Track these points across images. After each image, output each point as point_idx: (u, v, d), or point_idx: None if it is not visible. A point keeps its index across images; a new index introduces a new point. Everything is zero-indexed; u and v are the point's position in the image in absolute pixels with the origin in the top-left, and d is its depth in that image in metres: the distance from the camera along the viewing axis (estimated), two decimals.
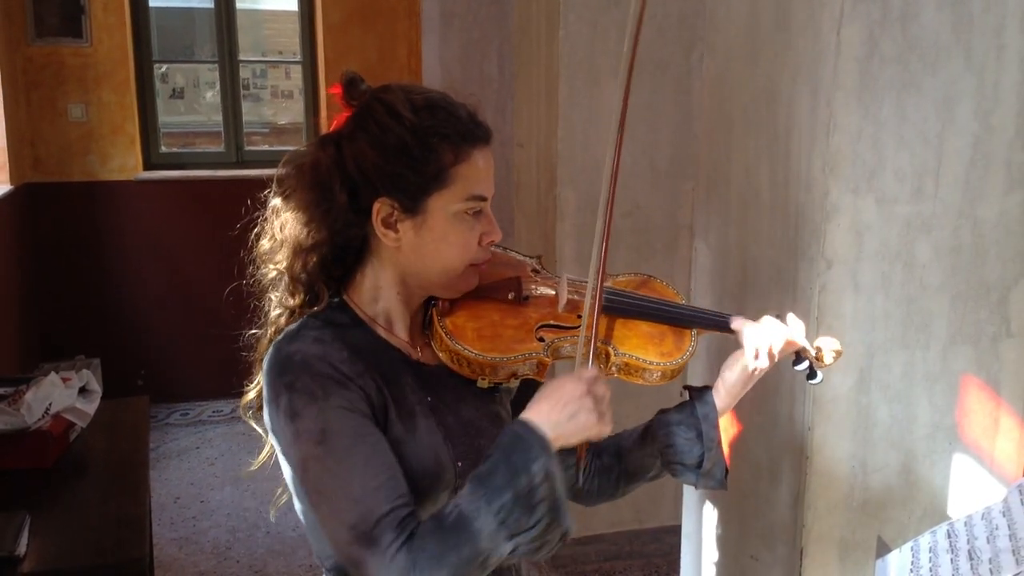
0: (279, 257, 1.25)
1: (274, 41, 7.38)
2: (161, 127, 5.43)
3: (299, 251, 1.23)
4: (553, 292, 1.33)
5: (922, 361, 1.94)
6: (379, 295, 1.26)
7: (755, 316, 1.40)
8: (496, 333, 1.25)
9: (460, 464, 1.22)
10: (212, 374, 4.32)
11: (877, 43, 1.78)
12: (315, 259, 1.23)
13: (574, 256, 3.22)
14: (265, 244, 1.28)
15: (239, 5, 5.39)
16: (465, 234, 1.22)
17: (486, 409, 1.31)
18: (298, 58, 5.60)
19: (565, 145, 3.23)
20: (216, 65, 5.43)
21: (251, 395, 1.28)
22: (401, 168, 1.18)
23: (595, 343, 1.25)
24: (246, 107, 5.66)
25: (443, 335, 1.24)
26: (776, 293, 2.01)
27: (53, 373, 2.50)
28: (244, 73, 5.65)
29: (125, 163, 5.09)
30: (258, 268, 1.30)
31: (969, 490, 2.01)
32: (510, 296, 1.29)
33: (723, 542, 2.31)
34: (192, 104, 6.74)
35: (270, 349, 1.20)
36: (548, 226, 3.39)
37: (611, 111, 3.52)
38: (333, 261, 1.25)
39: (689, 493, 2.50)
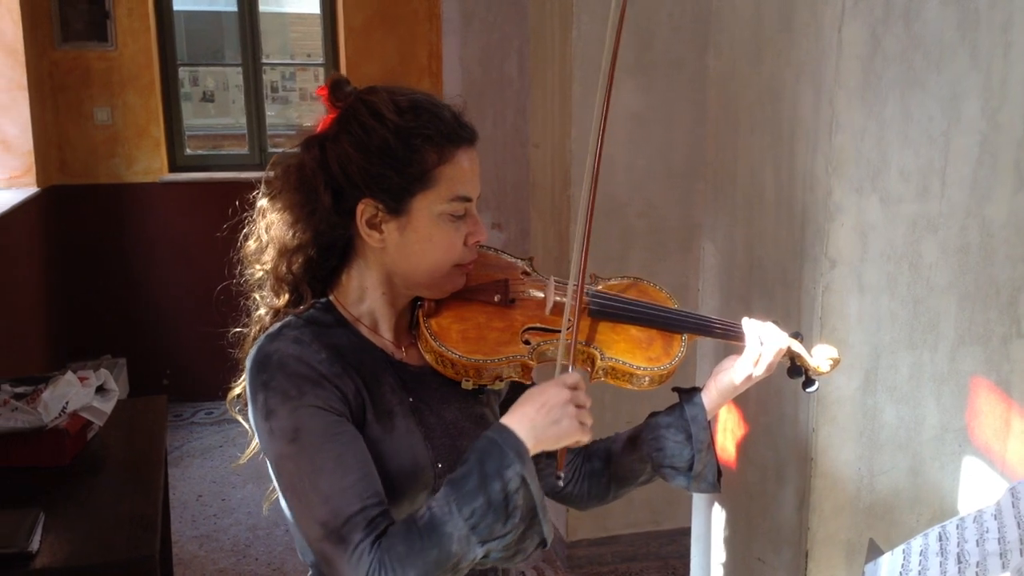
0: (265, 258, 1.27)
1: (300, 44, 7.45)
2: (189, 130, 5.49)
3: (284, 252, 1.24)
4: (541, 295, 1.32)
5: (930, 362, 1.92)
6: (364, 295, 1.27)
7: (760, 317, 1.38)
8: (481, 335, 1.24)
9: (440, 465, 1.23)
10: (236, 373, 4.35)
11: (880, 41, 1.76)
12: (300, 260, 1.24)
13: None
14: (251, 245, 1.29)
15: (263, 8, 5.44)
16: (450, 234, 1.22)
17: (470, 411, 1.31)
18: (321, 61, 5.65)
19: (578, 145, 3.23)
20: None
21: (236, 391, 1.30)
22: (384, 169, 1.19)
23: (575, 346, 1.24)
24: (275, 109, 5.72)
25: (428, 336, 1.24)
26: (781, 293, 1.99)
27: (70, 372, 2.53)
28: (273, 76, 5.71)
29: (150, 165, 5.15)
30: (245, 269, 1.31)
31: (979, 493, 1.98)
32: (497, 298, 1.28)
33: (731, 544, 2.29)
34: (223, 106, 6.82)
35: (253, 347, 1.21)
36: (562, 226, 3.39)
37: (624, 110, 3.49)
38: (318, 262, 1.25)
39: (698, 495, 2.49)
